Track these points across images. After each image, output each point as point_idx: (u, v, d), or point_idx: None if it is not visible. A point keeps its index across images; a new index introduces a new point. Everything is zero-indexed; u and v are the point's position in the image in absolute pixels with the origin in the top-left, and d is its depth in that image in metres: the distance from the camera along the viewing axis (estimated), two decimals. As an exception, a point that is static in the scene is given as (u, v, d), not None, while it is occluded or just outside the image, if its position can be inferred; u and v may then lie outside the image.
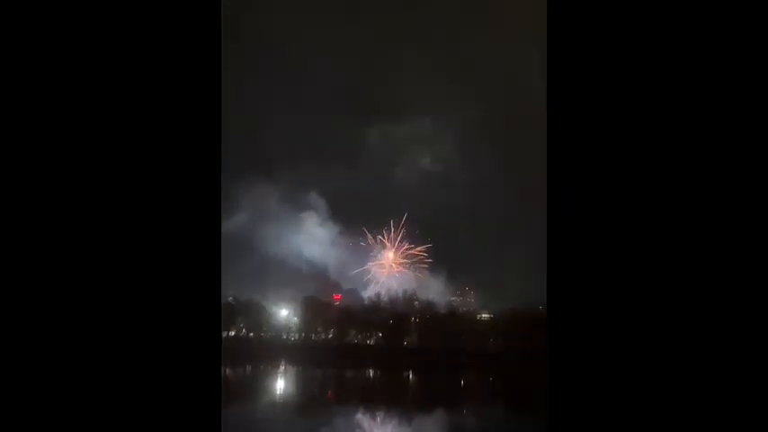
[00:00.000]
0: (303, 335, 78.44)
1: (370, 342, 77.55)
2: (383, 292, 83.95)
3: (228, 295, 73.78)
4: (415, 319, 76.66)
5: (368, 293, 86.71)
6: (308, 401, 33.61)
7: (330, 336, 78.11)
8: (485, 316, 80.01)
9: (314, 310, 77.49)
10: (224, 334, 72.15)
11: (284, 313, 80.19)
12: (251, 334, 77.45)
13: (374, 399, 35.69)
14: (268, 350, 66.90)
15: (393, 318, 75.73)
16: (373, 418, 27.69)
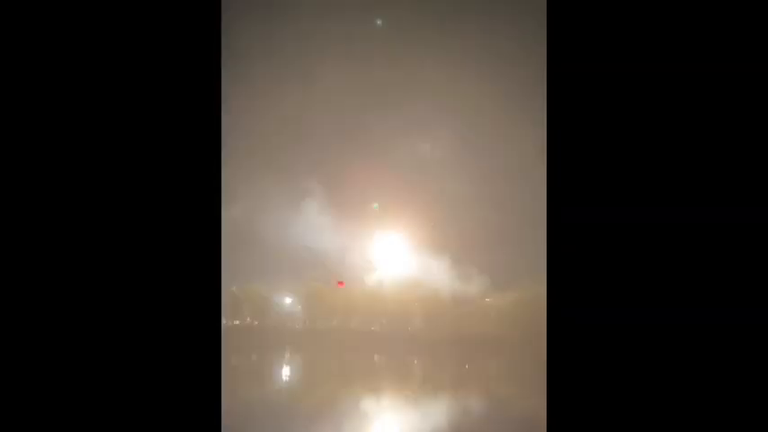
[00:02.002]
0: (307, 322, 78.60)
1: (374, 328, 77.66)
2: (386, 279, 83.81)
3: (232, 285, 73.90)
4: (418, 305, 76.60)
5: (371, 280, 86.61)
6: (314, 388, 33.81)
7: (334, 322, 78.22)
8: (488, 301, 79.97)
9: (317, 297, 77.56)
10: (230, 323, 72.36)
11: (288, 301, 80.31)
12: (256, 322, 77.67)
13: (380, 384, 35.89)
14: (273, 338, 67.18)
15: (396, 304, 75.73)
16: (379, 402, 27.86)
